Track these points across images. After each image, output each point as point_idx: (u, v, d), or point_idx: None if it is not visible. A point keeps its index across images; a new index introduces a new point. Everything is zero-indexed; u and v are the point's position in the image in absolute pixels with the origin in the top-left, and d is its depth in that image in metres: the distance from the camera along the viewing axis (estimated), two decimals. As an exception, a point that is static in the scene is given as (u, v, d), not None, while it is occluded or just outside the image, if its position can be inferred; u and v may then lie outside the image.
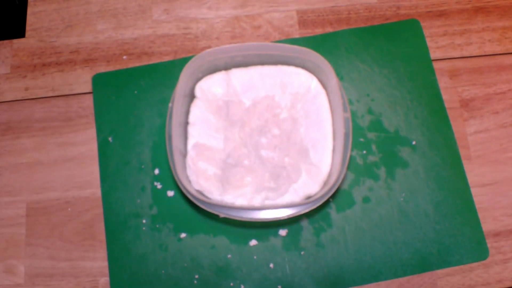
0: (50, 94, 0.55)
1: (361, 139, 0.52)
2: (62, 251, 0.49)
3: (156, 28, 0.58)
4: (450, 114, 0.53)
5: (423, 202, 0.50)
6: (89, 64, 0.56)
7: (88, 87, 0.55)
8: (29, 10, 0.59)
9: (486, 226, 0.49)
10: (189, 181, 0.46)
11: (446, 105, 0.53)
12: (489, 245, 0.49)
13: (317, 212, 0.49)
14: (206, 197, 0.46)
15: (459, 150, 0.52)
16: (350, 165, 0.51)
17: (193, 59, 0.47)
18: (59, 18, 0.58)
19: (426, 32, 0.56)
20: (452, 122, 0.53)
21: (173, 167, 0.44)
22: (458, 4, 0.58)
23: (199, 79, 0.50)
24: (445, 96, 0.54)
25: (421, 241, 0.48)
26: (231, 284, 0.47)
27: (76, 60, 0.56)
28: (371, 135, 0.52)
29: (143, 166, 0.51)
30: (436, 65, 0.55)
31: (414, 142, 0.52)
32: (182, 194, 0.50)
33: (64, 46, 0.57)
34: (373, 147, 0.52)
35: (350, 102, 0.53)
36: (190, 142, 0.48)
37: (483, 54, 0.56)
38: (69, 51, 0.57)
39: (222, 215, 0.43)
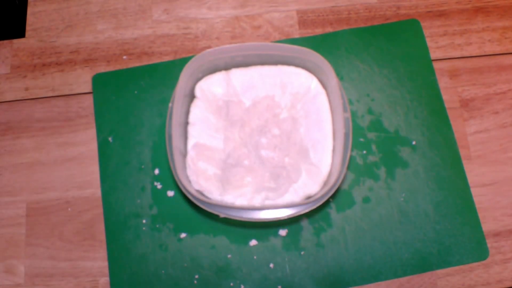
0: (50, 94, 0.55)
1: (361, 139, 0.52)
2: (62, 251, 0.49)
3: (156, 28, 0.58)
4: (450, 114, 0.53)
5: (423, 202, 0.50)
6: (89, 64, 0.56)
7: (88, 87, 0.55)
8: (29, 10, 0.59)
9: (486, 226, 0.49)
10: (189, 181, 0.46)
11: (446, 105, 0.53)
12: (489, 245, 0.49)
13: (317, 212, 0.49)
14: (206, 197, 0.46)
15: (459, 150, 0.52)
16: (350, 165, 0.51)
17: (193, 59, 0.47)
18: (59, 18, 0.58)
19: (426, 32, 0.56)
20: (452, 122, 0.53)
21: (173, 167, 0.44)
22: (458, 4, 0.58)
23: (199, 79, 0.50)
24: (445, 96, 0.54)
25: (421, 241, 0.48)
26: (231, 284, 0.47)
27: (76, 60, 0.56)
28: (371, 135, 0.52)
29: (143, 166, 0.51)
30: (436, 65, 0.55)
31: (414, 142, 0.52)
32: (182, 194, 0.50)
33: (64, 46, 0.57)
34: (373, 147, 0.52)
35: (350, 102, 0.53)
36: (190, 142, 0.48)
37: (483, 54, 0.56)
38: (69, 51, 0.57)
39: (222, 215, 0.43)
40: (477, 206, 0.50)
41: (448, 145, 0.52)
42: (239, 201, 0.45)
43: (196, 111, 0.49)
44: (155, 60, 0.56)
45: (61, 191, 0.51)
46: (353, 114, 0.53)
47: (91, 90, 0.55)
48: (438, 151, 0.51)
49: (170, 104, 0.47)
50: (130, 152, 0.52)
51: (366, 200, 0.50)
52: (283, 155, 0.48)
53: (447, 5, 0.58)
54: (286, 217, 0.43)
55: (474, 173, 0.51)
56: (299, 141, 0.48)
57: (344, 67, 0.55)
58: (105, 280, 0.48)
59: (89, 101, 0.55)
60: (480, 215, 0.49)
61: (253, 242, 0.48)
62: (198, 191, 0.46)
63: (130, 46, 0.57)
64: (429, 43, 0.56)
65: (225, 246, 0.48)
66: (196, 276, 0.48)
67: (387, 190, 0.50)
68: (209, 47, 0.56)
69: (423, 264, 0.48)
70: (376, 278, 0.47)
